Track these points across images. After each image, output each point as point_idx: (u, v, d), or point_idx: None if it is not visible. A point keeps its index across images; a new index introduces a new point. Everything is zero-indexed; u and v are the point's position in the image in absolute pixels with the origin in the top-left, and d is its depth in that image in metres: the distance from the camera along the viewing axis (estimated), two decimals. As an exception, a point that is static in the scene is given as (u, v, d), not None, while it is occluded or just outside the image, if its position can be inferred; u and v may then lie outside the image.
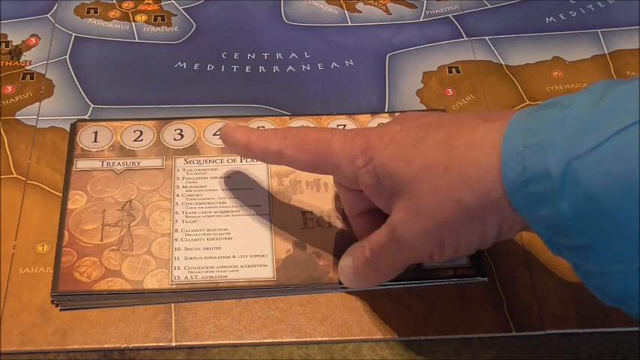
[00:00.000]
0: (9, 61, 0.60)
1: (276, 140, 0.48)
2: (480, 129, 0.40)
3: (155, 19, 0.64)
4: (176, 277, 0.49)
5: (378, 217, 0.48)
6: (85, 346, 0.46)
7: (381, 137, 0.44)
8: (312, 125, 0.57)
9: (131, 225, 0.51)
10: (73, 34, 0.63)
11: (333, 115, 0.58)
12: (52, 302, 0.47)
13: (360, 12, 0.66)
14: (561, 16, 0.66)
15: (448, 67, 0.62)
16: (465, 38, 0.64)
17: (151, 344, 0.46)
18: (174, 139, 0.56)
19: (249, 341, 0.47)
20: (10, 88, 0.58)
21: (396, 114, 0.57)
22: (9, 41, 0.62)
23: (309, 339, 0.47)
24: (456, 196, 0.40)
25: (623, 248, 0.35)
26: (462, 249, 0.42)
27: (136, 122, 0.56)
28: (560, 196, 0.36)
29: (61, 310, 0.47)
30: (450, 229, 0.41)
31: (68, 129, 0.56)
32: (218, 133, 0.56)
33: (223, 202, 0.52)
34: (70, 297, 0.48)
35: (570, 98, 0.38)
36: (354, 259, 0.47)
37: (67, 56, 0.61)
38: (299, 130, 0.47)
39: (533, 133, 0.37)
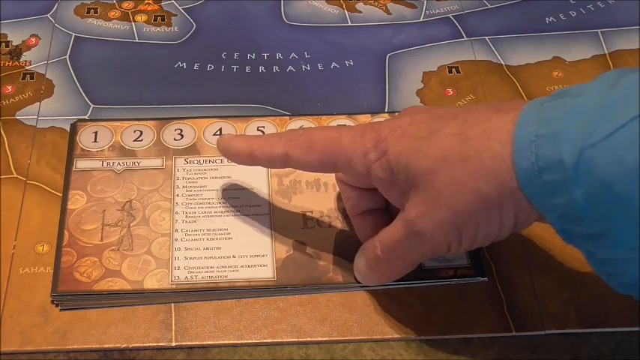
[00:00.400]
0: (9, 61, 0.60)
1: (280, 144, 0.47)
2: (494, 120, 0.40)
3: (155, 19, 0.64)
4: (176, 277, 0.49)
5: (380, 216, 0.48)
6: (85, 346, 0.46)
7: (392, 130, 0.44)
8: (313, 125, 0.57)
9: (131, 225, 0.51)
10: (73, 34, 0.63)
11: (333, 115, 0.58)
12: (52, 302, 0.47)
13: (360, 12, 0.66)
14: (561, 16, 0.66)
15: (448, 67, 0.62)
16: (465, 38, 0.64)
17: (151, 344, 0.46)
18: (174, 139, 0.56)
19: (249, 341, 0.47)
20: (10, 88, 0.58)
21: (396, 114, 0.57)
22: (9, 41, 0.62)
23: (309, 339, 0.47)
24: (475, 186, 0.40)
25: (638, 235, 0.36)
26: (479, 239, 0.42)
27: (136, 122, 0.56)
28: (573, 184, 0.36)
29: (61, 310, 0.47)
30: (469, 220, 0.41)
31: (68, 129, 0.56)
32: (218, 133, 0.56)
33: (223, 202, 0.52)
34: (70, 297, 0.47)
35: (582, 87, 0.38)
36: (367, 257, 0.47)
37: (67, 56, 0.61)
38: (304, 131, 0.47)
39: (546, 122, 0.38)
